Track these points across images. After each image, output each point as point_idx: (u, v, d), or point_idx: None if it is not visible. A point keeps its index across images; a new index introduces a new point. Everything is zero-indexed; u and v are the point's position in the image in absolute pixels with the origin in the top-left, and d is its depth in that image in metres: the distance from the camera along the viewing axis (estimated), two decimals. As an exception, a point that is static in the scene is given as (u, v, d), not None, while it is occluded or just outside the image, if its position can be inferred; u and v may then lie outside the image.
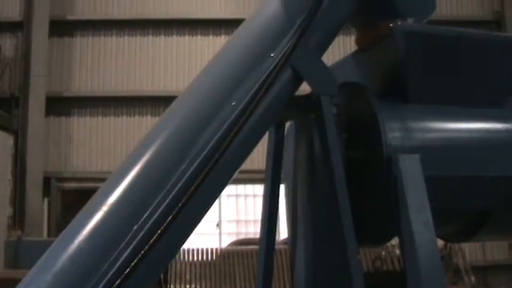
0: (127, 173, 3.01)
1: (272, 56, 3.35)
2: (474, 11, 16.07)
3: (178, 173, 3.00)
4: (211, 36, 14.93)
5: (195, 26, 15.02)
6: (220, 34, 14.84)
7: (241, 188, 14.37)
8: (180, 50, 14.92)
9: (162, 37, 14.99)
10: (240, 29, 3.69)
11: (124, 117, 14.67)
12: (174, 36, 15.00)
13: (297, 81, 3.47)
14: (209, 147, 3.07)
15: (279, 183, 4.05)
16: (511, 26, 15.50)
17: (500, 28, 15.79)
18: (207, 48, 14.65)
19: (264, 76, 3.27)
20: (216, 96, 3.24)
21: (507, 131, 4.16)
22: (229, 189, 14.12)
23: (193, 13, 15.03)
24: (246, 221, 15.40)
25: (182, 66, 14.68)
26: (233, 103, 3.19)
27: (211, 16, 14.99)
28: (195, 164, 3.03)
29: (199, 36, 14.99)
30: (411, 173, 3.51)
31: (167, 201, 2.93)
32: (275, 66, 3.30)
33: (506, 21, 15.63)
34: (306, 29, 3.42)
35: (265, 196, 4.04)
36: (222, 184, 3.27)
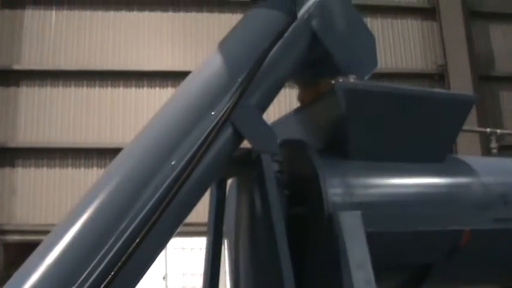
0: (63, 236, 2.96)
1: (213, 114, 3.36)
2: (418, 64, 16.42)
3: (117, 233, 2.96)
4: (157, 88, 14.93)
5: (142, 78, 15.00)
6: (166, 86, 14.86)
7: (187, 241, 14.22)
8: (126, 102, 14.86)
9: (109, 88, 14.92)
10: (183, 86, 3.70)
11: (70, 168, 14.48)
12: (121, 88, 14.94)
13: (238, 139, 3.48)
14: (148, 206, 3.05)
15: (221, 239, 4.04)
16: (454, 79, 15.85)
17: (443, 81, 16.14)
18: (154, 100, 14.64)
19: (205, 134, 3.27)
20: (155, 156, 3.22)
21: (447, 185, 4.23)
22: (176, 242, 13.97)
23: (140, 65, 15.03)
24: (193, 274, 15.21)
25: (128, 117, 14.62)
26: (173, 162, 3.18)
27: (157, 68, 15.01)
28: (134, 224, 3.00)
29: (145, 88, 14.97)
30: (352, 230, 3.51)
31: (106, 260, 2.89)
32: (216, 124, 3.31)
33: (449, 74, 15.99)
34: (246, 87, 3.45)
35: (207, 250, 4.03)
36: (163, 241, 3.25)
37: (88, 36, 15.13)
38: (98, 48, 15.08)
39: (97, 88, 14.92)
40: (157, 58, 15.18)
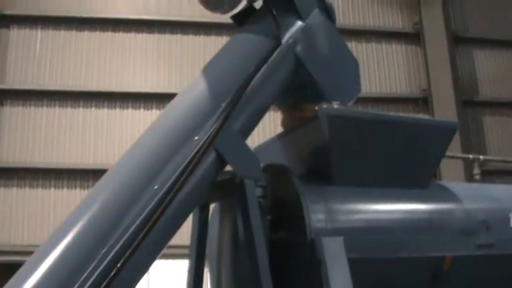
0: (45, 258, 2.94)
1: (196, 139, 3.36)
2: (402, 89, 16.49)
3: (99, 257, 2.95)
4: (142, 110, 14.90)
5: (127, 99, 14.98)
6: (151, 108, 14.84)
7: (170, 263, 14.13)
8: (110, 123, 14.81)
9: (93, 109, 14.87)
10: (167, 110, 3.71)
11: (52, 189, 14.37)
12: (105, 109, 14.90)
13: (221, 164, 3.48)
14: (131, 230, 3.04)
15: (203, 263, 4.03)
16: (438, 104, 15.94)
17: (427, 105, 16.24)
18: (138, 121, 14.61)
19: (188, 159, 3.27)
20: (138, 180, 3.21)
21: (429, 211, 4.25)
22: (159, 265, 13.89)
23: (124, 86, 15.01)
24: (176, 297, 15.12)
25: (112, 139, 14.56)
26: (156, 187, 3.17)
27: (142, 90, 15.00)
28: (116, 248, 2.99)
29: (130, 110, 14.95)
30: (334, 256, 3.51)
31: (88, 284, 2.88)
32: (199, 149, 3.31)
33: (433, 99, 16.08)
34: (230, 112, 3.46)
35: (189, 274, 4.03)
36: (145, 265, 3.23)
37: (73, 56, 15.09)
38: (82, 69, 15.05)
39: (81, 109, 14.86)
40: (142, 80, 15.17)
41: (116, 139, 14.50)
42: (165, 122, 3.57)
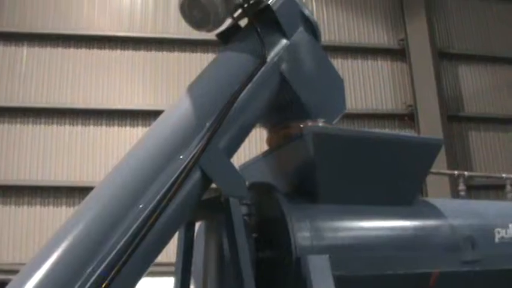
0: (29, 277, 2.91)
1: (181, 158, 3.36)
2: (388, 105, 16.54)
3: (84, 276, 2.93)
4: (128, 127, 14.89)
5: (112, 116, 14.96)
6: (137, 125, 14.82)
7: (156, 281, 14.07)
8: (96, 140, 14.76)
9: (79, 126, 14.83)
10: (152, 128, 3.70)
11: (38, 207, 14.28)
12: (91, 126, 14.86)
13: (206, 183, 3.48)
14: (116, 250, 3.03)
15: (189, 282, 4.01)
16: (423, 120, 16.01)
17: (413, 121, 16.31)
18: (124, 138, 14.58)
19: (173, 178, 3.26)
20: (124, 198, 3.20)
21: (415, 228, 4.25)
22: (145, 282, 13.81)
23: (110, 104, 14.98)
24: (163, 314, 15.02)
25: (98, 156, 14.52)
26: (141, 205, 3.16)
27: (128, 107, 14.99)
28: (102, 267, 2.97)
29: (116, 127, 14.92)
30: (320, 273, 3.51)
31: None
32: (184, 168, 3.31)
33: (419, 115, 16.15)
34: (215, 131, 3.46)
35: None
36: (131, 284, 3.21)
37: (59, 73, 15.07)
38: (68, 86, 15.02)
39: (67, 126, 14.82)
40: (128, 97, 15.15)
41: (102, 156, 14.46)
42: (150, 141, 3.56)
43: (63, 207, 14.20)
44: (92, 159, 14.51)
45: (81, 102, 14.89)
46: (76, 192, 13.97)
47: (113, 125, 14.95)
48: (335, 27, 16.70)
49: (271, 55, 3.98)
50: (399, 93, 16.71)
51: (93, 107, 14.89)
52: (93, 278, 2.93)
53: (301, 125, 3.95)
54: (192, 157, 3.35)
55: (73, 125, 14.85)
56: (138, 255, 3.07)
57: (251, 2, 4.09)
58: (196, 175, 3.40)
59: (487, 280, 4.39)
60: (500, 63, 17.81)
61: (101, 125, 14.93)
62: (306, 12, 4.34)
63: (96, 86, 15.13)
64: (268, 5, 4.03)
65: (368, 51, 16.85)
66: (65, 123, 14.84)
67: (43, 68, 15.11)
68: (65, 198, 14.28)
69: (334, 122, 4.33)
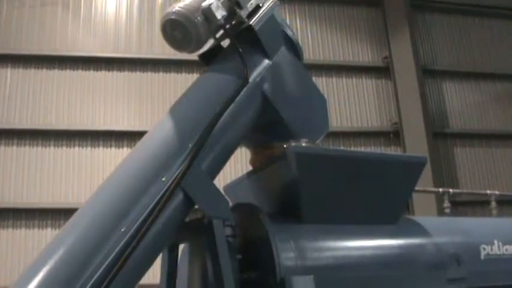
0: None
1: (163, 180, 3.34)
2: (373, 123, 16.59)
3: None
4: (113, 148, 14.83)
5: (97, 138, 14.91)
6: (122, 146, 14.77)
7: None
8: (81, 161, 14.70)
9: (64, 148, 14.77)
10: (134, 150, 3.69)
11: (23, 229, 14.17)
12: (76, 147, 14.80)
13: (189, 205, 3.46)
14: (98, 273, 3.00)
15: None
16: (409, 137, 16.07)
17: (398, 138, 16.36)
18: (109, 159, 14.52)
19: (155, 201, 3.24)
20: (105, 222, 3.17)
21: (400, 247, 4.25)
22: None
23: (95, 125, 14.93)
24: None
25: (83, 177, 14.44)
26: (122, 229, 3.14)
27: (113, 128, 14.94)
28: None
29: (101, 148, 14.87)
30: (305, 295, 3.49)
31: None
32: (166, 190, 3.29)
33: (404, 132, 16.21)
34: (197, 152, 3.44)
35: None
36: None
37: (43, 95, 15.01)
38: (53, 107, 14.96)
39: (51, 147, 14.75)
40: (113, 118, 15.10)
41: (87, 177, 14.39)
42: (132, 163, 3.55)
43: (49, 230, 14.10)
44: (77, 181, 14.43)
45: (65, 124, 14.83)
46: (61, 214, 13.87)
47: (98, 146, 14.89)
48: (319, 45, 16.75)
49: (254, 75, 3.98)
50: (384, 110, 16.75)
51: (78, 128, 14.83)
52: None
53: (285, 145, 3.94)
54: (174, 179, 3.33)
55: (58, 146, 14.77)
56: (121, 279, 3.04)
57: (233, 22, 4.09)
58: (179, 197, 3.38)
59: (473, 298, 4.38)
60: (484, 79, 17.93)
61: (86, 146, 14.86)
62: (288, 32, 4.36)
63: (81, 107, 15.08)
64: (250, 25, 4.03)
65: (352, 69, 16.89)
66: (49, 145, 14.76)
67: (27, 89, 15.04)
68: (50, 220, 14.18)
69: (317, 141, 4.32)
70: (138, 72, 15.59)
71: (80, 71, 15.37)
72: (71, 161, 14.69)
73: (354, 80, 16.81)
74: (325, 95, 4.60)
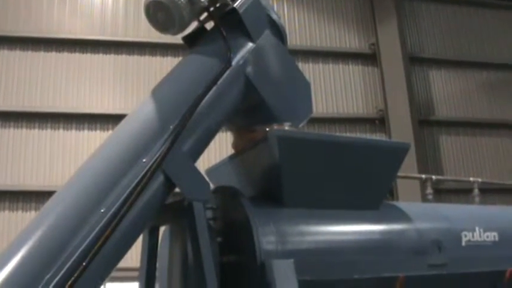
0: None
1: (144, 161, 3.32)
2: (359, 109, 16.59)
3: (44, 281, 2.88)
4: (98, 131, 14.75)
5: (82, 120, 14.83)
6: (107, 129, 14.67)
7: (121, 286, 13.88)
8: (66, 144, 14.61)
9: (48, 130, 14.67)
10: (115, 131, 3.66)
11: (6, 212, 14.12)
12: (61, 130, 14.72)
13: (169, 186, 3.44)
14: (77, 254, 2.99)
15: (154, 285, 3.96)
16: (394, 124, 16.09)
17: (384, 125, 16.38)
18: (94, 142, 14.39)
19: (135, 182, 3.23)
20: (85, 203, 3.16)
21: (381, 232, 4.25)
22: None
23: (80, 108, 14.84)
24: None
25: (68, 160, 14.34)
26: (102, 210, 3.12)
27: (98, 111, 14.85)
28: (62, 272, 2.93)
29: (86, 131, 14.79)
30: (284, 278, 3.48)
31: None
32: (146, 171, 3.27)
33: (389, 119, 16.22)
34: (179, 134, 3.42)
35: None
36: None
37: (28, 77, 14.89)
38: (38, 90, 14.86)
39: (36, 130, 14.66)
40: (98, 101, 15.02)
41: (72, 160, 14.30)
42: (112, 144, 3.53)
43: (32, 212, 14.04)
44: (61, 163, 14.36)
45: (51, 106, 14.73)
46: (45, 197, 13.69)
47: (83, 129, 14.81)
48: (306, 31, 16.72)
49: (237, 58, 3.96)
50: (370, 97, 16.76)
51: (63, 111, 14.74)
52: (53, 283, 2.89)
53: (267, 129, 3.93)
54: (155, 160, 3.31)
55: (42, 128, 14.69)
56: (100, 260, 3.03)
57: (217, 5, 4.07)
58: (159, 179, 3.37)
59: (454, 283, 4.39)
60: (470, 68, 17.96)
61: (71, 129, 14.78)
62: (273, 15, 4.33)
63: (66, 90, 14.98)
64: (234, 8, 4.01)
65: (339, 56, 16.88)
66: (34, 127, 14.67)
67: (12, 71, 14.92)
68: (34, 203, 14.12)
69: (300, 125, 4.31)
70: (124, 55, 15.51)
71: (65, 54, 15.26)
72: (56, 144, 14.61)
73: (341, 66, 16.79)
74: (312, 81, 4.58)
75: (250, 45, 4.07)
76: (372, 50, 17.03)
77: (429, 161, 16.42)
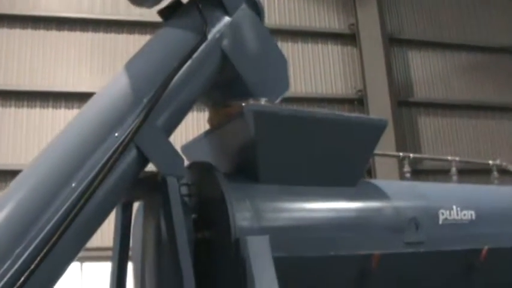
0: None
1: (116, 136, 3.26)
2: (338, 89, 16.61)
3: (12, 257, 2.82)
4: (75, 110, 14.55)
5: (59, 99, 14.69)
6: (85, 108, 14.59)
7: (89, 266, 13.79)
8: (43, 123, 14.49)
9: (25, 109, 14.52)
10: (86, 105, 3.59)
11: (-17, 189, 14.03)
12: (37, 109, 14.58)
13: (142, 161, 3.39)
14: (46, 229, 2.93)
15: (127, 262, 3.92)
16: (373, 104, 16.10)
17: (363, 105, 16.40)
18: (71, 121, 14.33)
19: (107, 156, 3.16)
20: (55, 178, 3.10)
21: (358, 209, 4.24)
22: (80, 267, 13.61)
23: (57, 86, 14.70)
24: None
25: (45, 139, 14.16)
26: (73, 184, 3.06)
27: (76, 89, 14.67)
28: (31, 248, 2.87)
29: (63, 109, 14.65)
30: (260, 255, 3.44)
31: (1, 285, 2.75)
32: (118, 146, 3.21)
33: (368, 100, 16.25)
34: (152, 108, 3.36)
35: (112, 276, 3.90)
36: (62, 266, 3.11)
37: (4, 54, 14.73)
38: (14, 68, 14.70)
39: (12, 108, 14.51)
40: (75, 79, 14.89)
41: (49, 139, 14.12)
42: (85, 118, 3.46)
43: (8, 191, 13.91)
44: (38, 142, 14.20)
45: (27, 84, 14.59)
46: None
47: (60, 107, 14.69)
48: (285, 10, 16.66)
49: (213, 32, 3.91)
50: (349, 77, 16.79)
51: (39, 89, 14.61)
52: (21, 259, 2.83)
53: (243, 104, 3.88)
54: (128, 134, 3.25)
55: (19, 107, 14.55)
56: (70, 236, 2.98)
57: None
58: (132, 153, 3.31)
59: (431, 261, 4.38)
60: (450, 49, 18.07)
61: (48, 107, 14.66)
62: None
63: (43, 68, 14.84)
64: None
65: (318, 36, 16.87)
66: (10, 106, 14.53)
67: (-12, 49, 14.77)
68: (10, 181, 13.98)
69: (277, 101, 4.27)
70: (101, 33, 15.37)
71: (42, 31, 15.10)
72: (32, 122, 14.48)
73: (320, 46, 16.79)
74: (291, 61, 4.55)
75: (226, 18, 4.02)
76: (352, 31, 17.05)
77: (408, 142, 16.49)
